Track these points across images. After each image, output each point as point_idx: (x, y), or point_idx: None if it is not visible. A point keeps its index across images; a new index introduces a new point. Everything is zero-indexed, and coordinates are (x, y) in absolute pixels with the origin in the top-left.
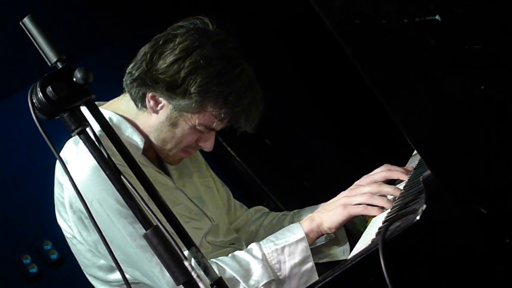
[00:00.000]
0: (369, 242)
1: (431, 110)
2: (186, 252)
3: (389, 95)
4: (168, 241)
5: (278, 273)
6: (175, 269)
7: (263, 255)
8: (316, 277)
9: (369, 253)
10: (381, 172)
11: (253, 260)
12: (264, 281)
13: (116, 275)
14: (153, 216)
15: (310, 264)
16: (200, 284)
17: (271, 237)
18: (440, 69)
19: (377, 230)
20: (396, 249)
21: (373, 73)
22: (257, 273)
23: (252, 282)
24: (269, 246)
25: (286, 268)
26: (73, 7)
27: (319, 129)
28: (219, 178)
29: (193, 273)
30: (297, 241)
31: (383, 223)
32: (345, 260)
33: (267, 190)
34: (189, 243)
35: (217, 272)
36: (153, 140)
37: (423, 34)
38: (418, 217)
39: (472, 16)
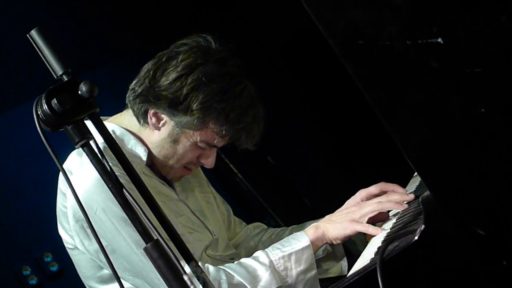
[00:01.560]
0: (368, 261)
1: (432, 131)
2: (186, 267)
3: (390, 116)
4: (168, 255)
5: (285, 280)
6: (174, 283)
7: (270, 261)
8: (318, 285)
9: (367, 271)
10: (373, 204)
11: (260, 267)
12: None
13: (115, 285)
14: (153, 229)
15: (314, 272)
16: None
17: (277, 245)
18: (441, 91)
19: (375, 250)
20: (394, 269)
21: (375, 94)
22: (265, 279)
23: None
24: (276, 253)
25: (292, 275)
26: (77, 22)
27: (321, 147)
28: (219, 195)
29: None
30: (303, 249)
31: (382, 243)
32: (343, 277)
33: (268, 208)
34: (188, 257)
35: (224, 278)
36: (155, 155)
37: (425, 56)
38: (416, 237)
39: (474, 40)
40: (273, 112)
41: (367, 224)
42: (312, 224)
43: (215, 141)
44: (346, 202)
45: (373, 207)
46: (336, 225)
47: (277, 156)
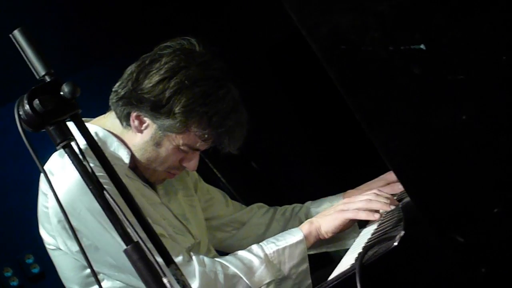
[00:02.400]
0: (348, 266)
1: (413, 138)
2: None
3: (371, 122)
4: (148, 258)
5: (278, 273)
6: (154, 286)
7: (265, 255)
8: (309, 278)
9: (347, 276)
10: (362, 201)
11: (255, 259)
12: (267, 280)
13: None
14: (134, 232)
15: (306, 265)
16: None
17: (271, 239)
18: (423, 97)
19: (356, 255)
20: (373, 274)
21: (356, 99)
22: (260, 271)
23: (255, 279)
24: (270, 247)
25: (285, 269)
26: (60, 24)
27: (306, 152)
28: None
29: None
30: (296, 243)
31: (362, 248)
32: (323, 282)
33: None
34: (168, 260)
35: (220, 269)
36: (138, 158)
37: (408, 63)
38: (396, 243)
39: (457, 47)
40: (257, 117)
41: (356, 210)
42: (307, 220)
43: (198, 145)
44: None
45: (362, 204)
46: (327, 218)
47: (261, 161)
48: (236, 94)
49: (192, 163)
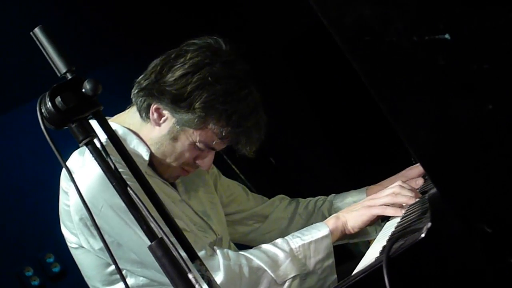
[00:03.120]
0: (373, 259)
1: (439, 128)
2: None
3: (396, 113)
4: (173, 254)
5: (303, 268)
6: (179, 282)
7: (291, 249)
8: (334, 273)
9: (373, 269)
10: (387, 196)
11: (280, 253)
12: (292, 275)
13: (119, 286)
14: (158, 228)
15: (331, 260)
16: None
17: (297, 233)
18: (448, 87)
19: (380, 249)
20: (400, 267)
21: (381, 90)
22: (285, 265)
23: (280, 273)
24: (296, 241)
25: (311, 264)
26: (81, 21)
27: (323, 148)
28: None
29: (197, 286)
30: (322, 238)
31: (387, 241)
32: (349, 276)
33: None
34: (193, 256)
35: (245, 262)
36: (153, 152)
37: (432, 53)
38: (423, 235)
39: (482, 35)
40: (275, 112)
41: (383, 206)
42: (333, 215)
43: (214, 143)
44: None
45: (388, 199)
46: (353, 213)
47: (279, 157)
48: (258, 97)
49: (206, 162)
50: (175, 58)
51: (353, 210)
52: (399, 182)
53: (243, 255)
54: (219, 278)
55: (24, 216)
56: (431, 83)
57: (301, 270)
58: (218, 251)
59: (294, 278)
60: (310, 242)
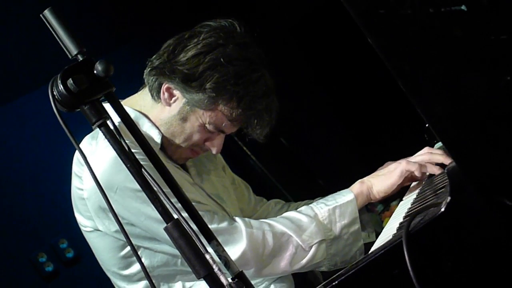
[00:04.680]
0: (391, 236)
1: (456, 101)
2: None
3: (413, 87)
4: (189, 235)
5: (329, 233)
6: (196, 263)
7: (315, 214)
8: (361, 239)
9: (393, 245)
10: (423, 155)
11: (305, 218)
12: (318, 239)
13: (134, 268)
14: (174, 209)
15: (357, 226)
16: (221, 278)
17: (321, 200)
18: (465, 60)
19: (397, 225)
20: (420, 242)
21: (397, 64)
22: (310, 230)
23: (305, 237)
24: (320, 207)
25: (336, 228)
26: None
27: (335, 128)
28: (238, 176)
29: (214, 267)
30: (347, 203)
31: (404, 218)
32: (369, 253)
33: (282, 189)
34: (209, 236)
35: (268, 228)
36: (163, 133)
37: (449, 25)
38: (442, 209)
39: (498, 6)
40: (285, 93)
41: (417, 163)
42: (358, 181)
43: (223, 125)
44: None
45: (423, 158)
46: (380, 177)
47: (291, 138)
48: (270, 82)
49: (216, 145)
50: (189, 39)
51: (380, 174)
52: (426, 148)
53: (265, 222)
54: (241, 246)
55: (37, 202)
56: (448, 56)
57: (326, 235)
58: (239, 220)
59: (320, 243)
60: (335, 207)
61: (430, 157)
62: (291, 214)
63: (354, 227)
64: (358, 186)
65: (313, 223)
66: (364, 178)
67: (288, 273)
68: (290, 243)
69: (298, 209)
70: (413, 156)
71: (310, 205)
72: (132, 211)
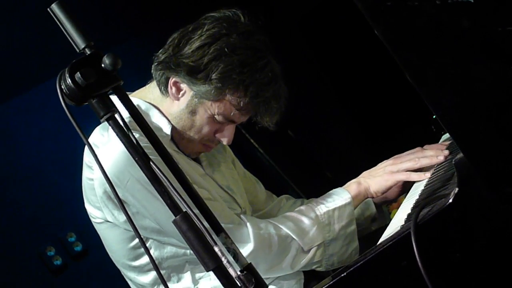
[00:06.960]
0: (399, 228)
1: (463, 92)
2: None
3: (420, 78)
4: (198, 227)
5: (328, 235)
6: (205, 255)
7: (316, 216)
8: (356, 240)
9: (401, 237)
10: (410, 161)
11: (307, 220)
12: (318, 242)
13: (144, 259)
14: (182, 201)
15: (353, 227)
16: (230, 270)
17: (320, 200)
18: (472, 51)
19: (405, 217)
20: (429, 233)
21: (405, 56)
22: (312, 233)
23: (307, 240)
24: (320, 208)
25: (335, 230)
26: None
27: (342, 120)
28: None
29: (223, 259)
30: (345, 205)
31: (412, 209)
32: (377, 244)
33: (290, 182)
34: (218, 229)
35: (273, 232)
36: (174, 127)
37: (456, 16)
38: (450, 200)
39: None
40: (293, 86)
41: (408, 172)
42: (353, 180)
43: (232, 114)
44: (378, 164)
45: (411, 164)
46: (377, 178)
47: (298, 130)
48: (277, 68)
49: (227, 136)
50: (193, 31)
51: (376, 175)
52: (418, 148)
53: (271, 223)
54: (249, 247)
55: (45, 195)
56: (455, 47)
57: (326, 237)
58: (247, 220)
59: (319, 245)
60: (334, 209)
61: (418, 163)
62: (294, 215)
63: (351, 228)
64: (355, 187)
65: (315, 226)
66: (360, 179)
67: (287, 273)
68: (293, 245)
69: (298, 209)
70: (403, 156)
71: (309, 205)
72: (143, 203)
